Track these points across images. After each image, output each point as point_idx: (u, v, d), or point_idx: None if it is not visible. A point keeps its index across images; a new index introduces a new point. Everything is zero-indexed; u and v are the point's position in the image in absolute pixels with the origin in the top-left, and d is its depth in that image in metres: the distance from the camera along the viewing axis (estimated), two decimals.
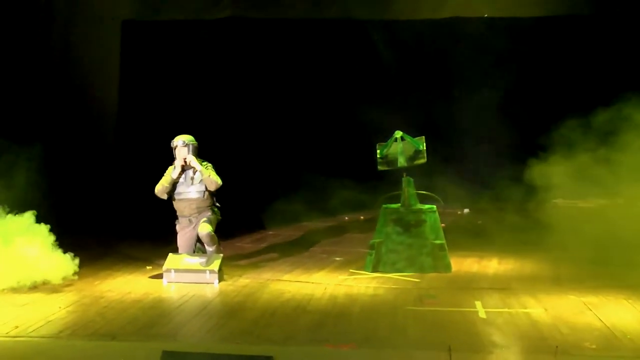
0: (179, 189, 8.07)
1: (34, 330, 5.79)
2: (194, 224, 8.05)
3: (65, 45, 13.71)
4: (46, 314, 6.27)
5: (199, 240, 8.05)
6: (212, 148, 13.62)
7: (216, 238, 7.97)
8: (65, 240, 7.79)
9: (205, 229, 7.92)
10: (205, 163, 8.10)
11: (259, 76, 14.44)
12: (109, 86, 14.04)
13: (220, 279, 7.65)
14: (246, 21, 14.35)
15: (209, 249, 7.95)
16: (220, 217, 8.23)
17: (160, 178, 8.16)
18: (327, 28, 14.52)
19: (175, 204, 8.15)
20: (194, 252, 8.00)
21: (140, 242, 9.39)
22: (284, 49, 14.49)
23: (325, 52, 14.43)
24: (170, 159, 8.17)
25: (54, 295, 6.97)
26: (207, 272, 7.61)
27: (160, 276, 7.74)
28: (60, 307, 6.52)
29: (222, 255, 7.85)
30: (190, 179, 8.02)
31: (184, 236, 8.05)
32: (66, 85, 13.45)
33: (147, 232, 9.65)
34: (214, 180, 8.00)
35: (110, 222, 11.45)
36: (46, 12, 13.42)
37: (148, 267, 8.05)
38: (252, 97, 14.44)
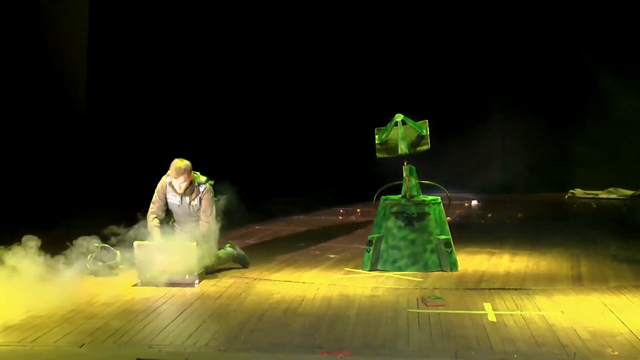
0: (175, 213, 8.15)
1: None
2: None
3: (32, 16, 13.69)
4: (6, 319, 6.22)
5: None
6: (192, 128, 13.63)
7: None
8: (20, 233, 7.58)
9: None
10: (205, 179, 8.04)
11: (240, 49, 14.43)
12: (77, 59, 14.04)
13: (201, 279, 7.65)
14: None
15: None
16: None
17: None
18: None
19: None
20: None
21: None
22: (276, 23, 14.46)
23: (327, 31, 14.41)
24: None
25: (13, 298, 6.88)
26: None
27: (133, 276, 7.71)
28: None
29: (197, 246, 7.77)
30: (190, 207, 8.04)
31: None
32: (33, 58, 13.46)
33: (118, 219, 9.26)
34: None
35: (78, 206, 11.41)
36: None
37: (120, 266, 8.03)
38: (231, 72, 14.43)
